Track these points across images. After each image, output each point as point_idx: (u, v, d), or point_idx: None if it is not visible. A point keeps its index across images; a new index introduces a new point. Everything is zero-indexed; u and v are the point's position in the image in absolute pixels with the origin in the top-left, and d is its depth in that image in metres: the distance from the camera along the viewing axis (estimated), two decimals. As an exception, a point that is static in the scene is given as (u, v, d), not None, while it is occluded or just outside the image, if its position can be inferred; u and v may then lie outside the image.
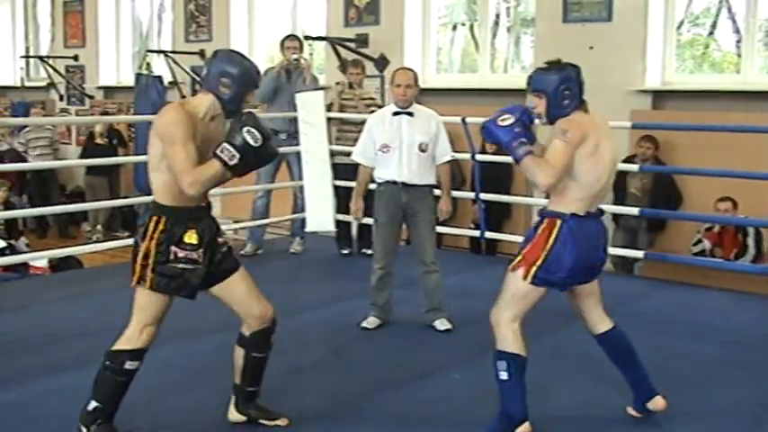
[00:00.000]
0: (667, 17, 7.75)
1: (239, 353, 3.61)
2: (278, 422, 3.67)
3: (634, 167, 6.95)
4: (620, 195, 7.45)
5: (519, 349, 3.45)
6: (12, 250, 8.76)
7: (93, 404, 3.37)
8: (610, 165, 3.48)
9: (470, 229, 7.72)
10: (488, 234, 7.02)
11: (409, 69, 5.30)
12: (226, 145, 3.21)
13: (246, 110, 3.33)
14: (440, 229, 7.85)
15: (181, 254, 3.33)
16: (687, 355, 4.67)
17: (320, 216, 7.19)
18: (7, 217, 8.25)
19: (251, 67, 3.36)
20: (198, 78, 10.57)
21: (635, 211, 6.59)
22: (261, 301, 3.58)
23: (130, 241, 8.02)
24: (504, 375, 3.44)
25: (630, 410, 3.76)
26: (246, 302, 3.55)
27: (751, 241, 6.81)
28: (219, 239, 3.49)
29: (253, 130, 3.22)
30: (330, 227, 7.22)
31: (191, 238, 3.34)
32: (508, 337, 3.46)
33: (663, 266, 6.80)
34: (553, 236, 3.40)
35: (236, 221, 8.92)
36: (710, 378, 4.36)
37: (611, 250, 7.13)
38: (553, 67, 3.57)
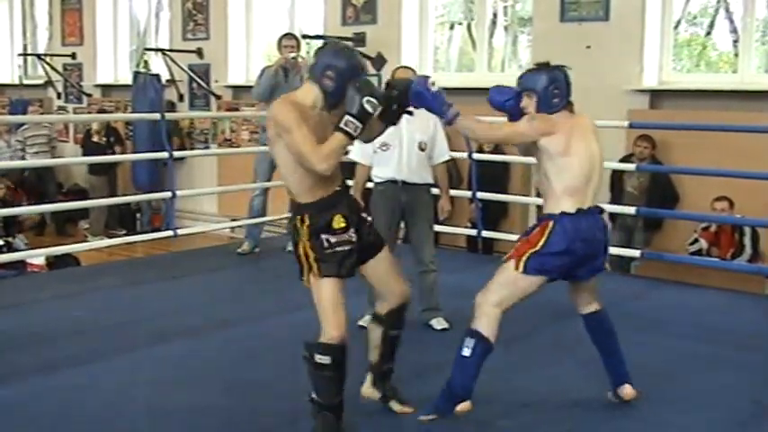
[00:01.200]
0: (665, 17, 7.76)
1: (376, 332, 3.74)
2: (405, 408, 3.79)
3: (631, 167, 6.96)
4: (617, 194, 7.46)
5: (490, 335, 3.54)
6: (9, 248, 8.78)
7: (313, 394, 3.48)
8: (588, 161, 3.58)
9: (467, 228, 7.73)
10: (485, 233, 7.02)
11: (409, 68, 5.30)
12: (348, 117, 3.31)
13: (361, 78, 3.39)
14: (437, 228, 7.86)
15: (333, 239, 3.41)
16: (683, 354, 4.68)
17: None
18: (5, 215, 8.24)
19: (357, 62, 3.47)
20: (194, 76, 10.59)
21: (632, 210, 6.60)
22: (400, 280, 3.70)
23: (128, 239, 8.05)
24: (466, 352, 3.53)
25: (609, 395, 3.89)
26: (389, 280, 3.67)
27: (747, 241, 6.83)
28: (363, 215, 3.60)
29: (370, 98, 3.33)
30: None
31: (339, 223, 3.43)
32: (483, 320, 3.56)
33: (659, 266, 6.81)
34: (546, 233, 3.51)
35: (234, 219, 8.94)
36: (707, 376, 4.36)
37: (608, 249, 7.20)
38: (543, 68, 3.69)
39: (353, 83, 3.35)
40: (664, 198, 7.26)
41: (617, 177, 7.50)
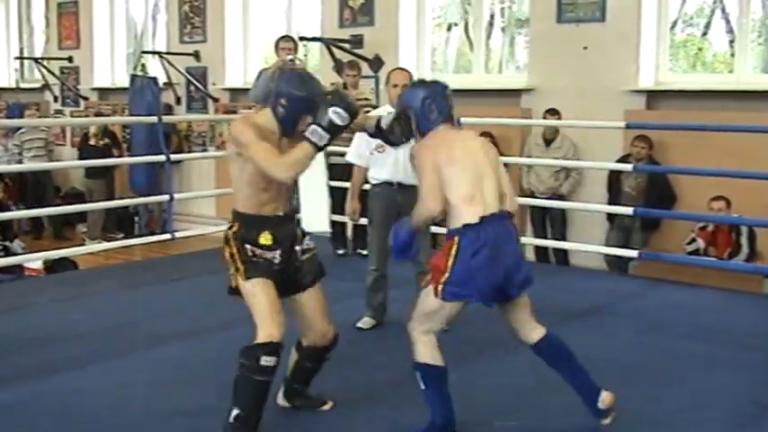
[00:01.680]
0: (661, 17, 7.78)
1: (293, 356, 3.75)
2: (324, 407, 3.85)
3: (628, 167, 6.97)
4: (615, 195, 7.48)
5: (432, 359, 3.50)
6: (6, 252, 8.77)
7: (234, 411, 3.36)
8: (473, 166, 3.50)
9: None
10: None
11: (405, 69, 5.29)
12: (315, 127, 3.29)
13: (333, 87, 3.38)
14: (436, 229, 7.88)
15: (257, 251, 3.44)
16: (681, 354, 4.68)
17: (315, 217, 7.17)
18: (1, 219, 8.24)
19: (314, 93, 3.38)
20: (192, 79, 10.58)
21: (629, 210, 6.61)
22: (326, 321, 3.68)
23: (125, 242, 8.04)
24: (422, 386, 3.51)
25: (603, 422, 3.66)
26: (315, 318, 3.66)
27: (744, 240, 6.83)
28: (298, 248, 3.60)
29: (339, 109, 3.29)
30: (325, 228, 7.21)
31: (265, 239, 3.46)
32: (420, 348, 3.52)
33: (657, 265, 6.82)
34: (453, 250, 3.41)
35: (232, 222, 8.92)
36: (705, 376, 4.37)
37: (606, 249, 7.22)
38: (419, 84, 3.76)
39: (325, 94, 3.35)
40: (661, 198, 7.26)
41: (614, 178, 7.52)
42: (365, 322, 5.18)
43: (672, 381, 4.24)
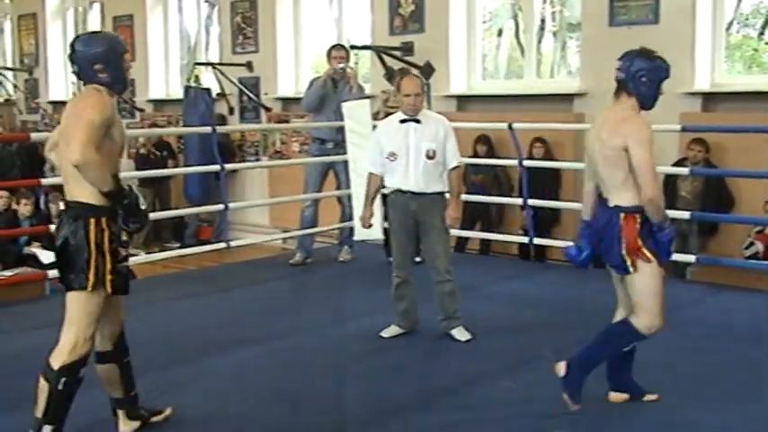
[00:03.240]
0: (716, 18, 7.66)
1: (110, 368, 3.61)
2: (161, 417, 3.77)
3: (685, 171, 6.87)
4: (671, 199, 7.37)
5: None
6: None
7: (47, 429, 3.31)
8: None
9: (519, 235, 7.69)
10: (537, 240, 6.98)
11: (416, 77, 5.25)
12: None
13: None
14: (488, 235, 7.86)
15: None
16: (742, 362, 4.59)
17: (368, 224, 7.21)
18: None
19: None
20: (244, 89, 10.65)
21: (686, 214, 6.50)
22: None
23: (181, 252, 8.12)
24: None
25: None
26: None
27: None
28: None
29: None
30: (378, 235, 7.22)
31: None
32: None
33: (715, 270, 6.71)
34: (638, 226, 3.62)
35: (285, 231, 9.00)
36: (764, 383, 4.28)
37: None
38: (661, 59, 3.87)
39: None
40: (718, 202, 7.15)
41: (670, 182, 7.41)
42: (390, 330, 5.15)
43: (732, 391, 4.15)
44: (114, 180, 3.30)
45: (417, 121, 4.96)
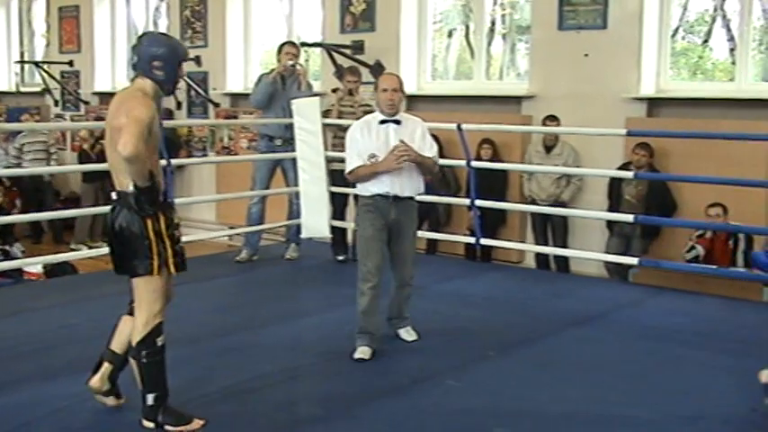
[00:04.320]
0: (662, 25, 7.79)
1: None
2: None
3: (629, 174, 6.97)
4: (615, 202, 7.47)
5: None
6: (6, 256, 8.76)
7: (150, 397, 3.63)
8: None
9: (465, 235, 7.73)
10: (484, 240, 7.02)
11: (394, 74, 5.16)
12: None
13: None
14: (435, 235, 7.89)
15: None
16: (681, 362, 4.67)
17: (316, 222, 7.19)
18: (1, 222, 8.22)
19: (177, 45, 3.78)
20: (192, 84, 10.57)
21: (629, 217, 6.60)
22: None
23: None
24: None
25: None
26: None
27: (742, 247, 6.83)
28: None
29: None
30: (325, 233, 7.22)
31: None
32: None
33: (657, 273, 6.81)
34: None
35: (231, 227, 8.94)
36: (704, 384, 4.36)
37: (606, 257, 7.20)
38: None
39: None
40: (662, 206, 7.26)
41: (615, 185, 7.52)
42: (363, 352, 4.68)
43: (671, 388, 4.23)
44: (150, 176, 3.47)
45: (397, 122, 4.82)
